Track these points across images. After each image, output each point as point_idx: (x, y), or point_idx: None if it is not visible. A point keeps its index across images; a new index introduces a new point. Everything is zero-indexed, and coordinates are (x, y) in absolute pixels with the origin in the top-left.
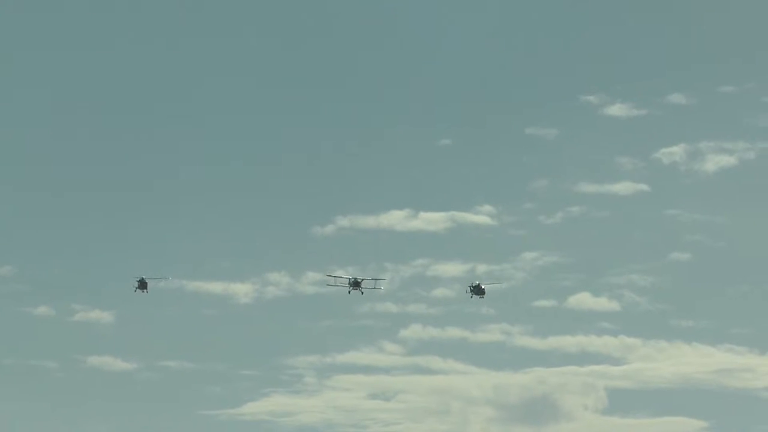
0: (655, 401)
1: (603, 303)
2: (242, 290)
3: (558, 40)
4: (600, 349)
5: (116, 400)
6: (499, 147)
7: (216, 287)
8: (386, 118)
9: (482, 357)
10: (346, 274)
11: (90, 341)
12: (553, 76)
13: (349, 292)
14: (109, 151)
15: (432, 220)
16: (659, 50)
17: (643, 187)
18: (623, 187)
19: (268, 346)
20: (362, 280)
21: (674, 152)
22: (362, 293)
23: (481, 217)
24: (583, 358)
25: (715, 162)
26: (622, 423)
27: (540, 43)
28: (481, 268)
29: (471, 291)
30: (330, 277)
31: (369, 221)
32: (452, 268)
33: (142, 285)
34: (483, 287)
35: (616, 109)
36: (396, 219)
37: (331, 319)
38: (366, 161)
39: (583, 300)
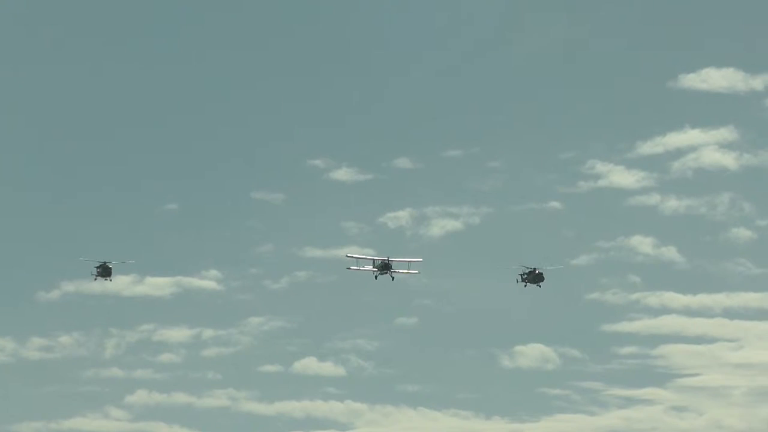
0: None
1: (329, 368)
2: None
3: (282, 105)
4: (326, 414)
5: None
6: (224, 211)
7: None
8: (111, 182)
9: (208, 422)
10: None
11: None
12: (279, 140)
13: (376, 277)
14: None
15: (158, 285)
16: (384, 115)
17: (369, 251)
18: (349, 252)
19: None
20: (392, 261)
21: (400, 217)
22: (393, 278)
23: (207, 281)
24: (310, 423)
25: (440, 226)
26: None
27: (265, 108)
28: (208, 332)
29: (524, 279)
30: (351, 258)
31: (94, 286)
32: (178, 334)
33: (105, 272)
34: (541, 273)
35: (342, 174)
36: (122, 284)
37: (57, 385)
38: (91, 226)
39: (309, 365)
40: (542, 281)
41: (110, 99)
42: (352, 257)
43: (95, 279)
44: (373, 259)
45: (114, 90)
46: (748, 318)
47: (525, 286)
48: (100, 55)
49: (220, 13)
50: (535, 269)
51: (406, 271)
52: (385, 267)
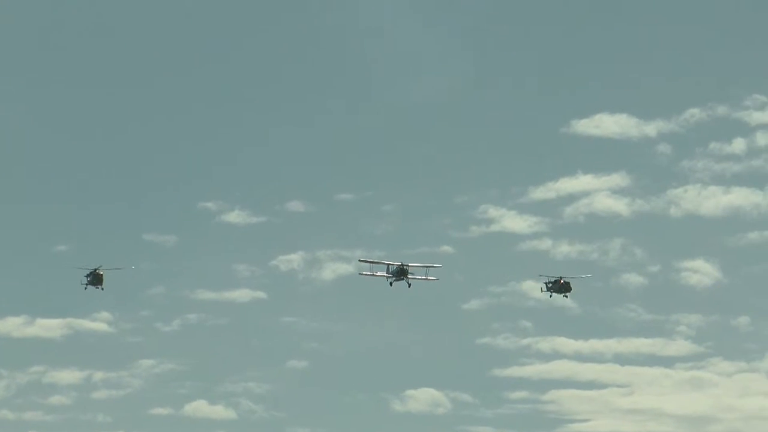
0: None
1: (219, 411)
2: None
3: (174, 147)
4: None
5: None
6: (116, 253)
7: None
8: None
9: None
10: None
11: None
12: (171, 182)
13: (391, 284)
14: None
15: (48, 326)
16: (277, 157)
17: (261, 294)
18: (241, 295)
19: None
20: (409, 267)
21: (292, 260)
22: (409, 285)
23: (98, 323)
24: None
25: (332, 270)
26: None
27: (157, 150)
28: (98, 375)
29: (549, 289)
30: (364, 264)
31: None
32: (69, 375)
33: (96, 280)
34: (568, 282)
35: (234, 216)
36: (12, 325)
37: None
38: None
39: (200, 408)
40: (569, 291)
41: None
42: (364, 262)
43: (86, 288)
44: (388, 264)
45: (6, 129)
46: (639, 364)
47: (550, 296)
48: None
49: (110, 51)
50: (560, 278)
51: (423, 277)
52: (400, 273)
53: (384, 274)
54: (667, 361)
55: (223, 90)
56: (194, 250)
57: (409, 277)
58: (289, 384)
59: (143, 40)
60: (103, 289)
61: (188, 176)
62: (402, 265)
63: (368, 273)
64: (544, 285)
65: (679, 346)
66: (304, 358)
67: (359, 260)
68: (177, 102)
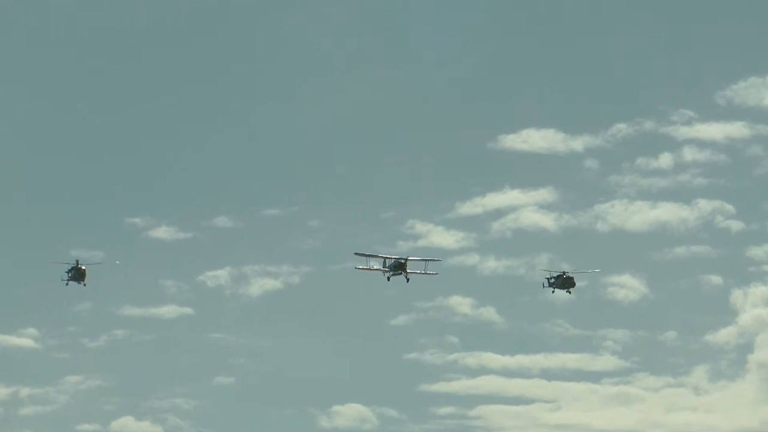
0: None
1: (146, 427)
2: None
3: (101, 162)
4: None
5: None
6: (40, 269)
7: None
8: None
9: None
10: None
11: None
12: (97, 197)
13: (389, 279)
14: None
15: None
16: (203, 173)
17: (188, 310)
18: (168, 311)
19: None
20: (407, 260)
21: (219, 276)
22: (408, 280)
23: (24, 339)
24: None
25: (260, 286)
26: None
27: (83, 165)
28: (25, 391)
29: (551, 284)
30: (361, 257)
31: None
32: None
33: (78, 275)
34: (571, 277)
35: (162, 232)
36: None
37: None
38: None
39: (126, 424)
40: (573, 287)
41: None
42: (361, 255)
43: (67, 284)
44: (384, 258)
45: None
46: (566, 379)
47: (553, 291)
48: None
49: (33, 67)
50: (564, 273)
51: (422, 271)
52: (398, 267)
53: (381, 268)
54: (594, 377)
55: (150, 104)
56: (121, 266)
57: (408, 271)
58: (217, 400)
59: (66, 48)
60: (85, 284)
61: (115, 192)
62: (400, 258)
63: (364, 267)
64: (546, 281)
65: (606, 362)
66: (231, 374)
67: (355, 253)
68: (103, 115)
